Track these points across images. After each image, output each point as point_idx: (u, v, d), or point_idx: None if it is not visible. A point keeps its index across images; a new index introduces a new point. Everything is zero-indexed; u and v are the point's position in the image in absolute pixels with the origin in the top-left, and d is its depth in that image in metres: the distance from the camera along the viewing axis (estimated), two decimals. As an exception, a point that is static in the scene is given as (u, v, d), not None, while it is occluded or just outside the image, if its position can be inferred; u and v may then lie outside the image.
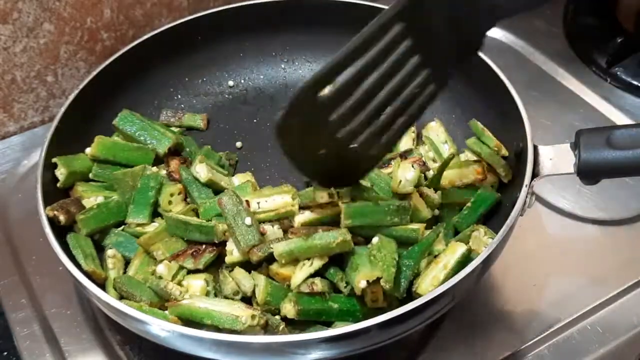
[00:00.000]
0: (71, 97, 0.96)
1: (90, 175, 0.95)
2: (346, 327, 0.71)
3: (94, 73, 1.00)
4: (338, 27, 1.09)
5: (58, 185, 0.92)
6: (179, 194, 0.94)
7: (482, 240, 0.85)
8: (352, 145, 0.76)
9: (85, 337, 0.90)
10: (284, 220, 0.87)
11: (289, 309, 0.79)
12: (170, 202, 0.93)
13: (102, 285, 0.85)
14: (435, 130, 1.02)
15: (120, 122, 0.99)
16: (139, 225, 0.90)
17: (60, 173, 0.92)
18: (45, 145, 0.90)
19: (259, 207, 0.88)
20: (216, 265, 0.87)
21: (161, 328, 0.73)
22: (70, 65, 1.16)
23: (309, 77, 0.69)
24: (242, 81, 1.16)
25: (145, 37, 1.06)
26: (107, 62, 1.02)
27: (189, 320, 0.79)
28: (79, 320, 0.92)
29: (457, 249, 0.83)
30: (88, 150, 0.95)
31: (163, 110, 1.10)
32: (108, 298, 0.75)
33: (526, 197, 0.81)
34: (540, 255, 0.96)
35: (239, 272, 0.84)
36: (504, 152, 0.94)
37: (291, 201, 0.87)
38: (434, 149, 0.99)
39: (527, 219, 0.84)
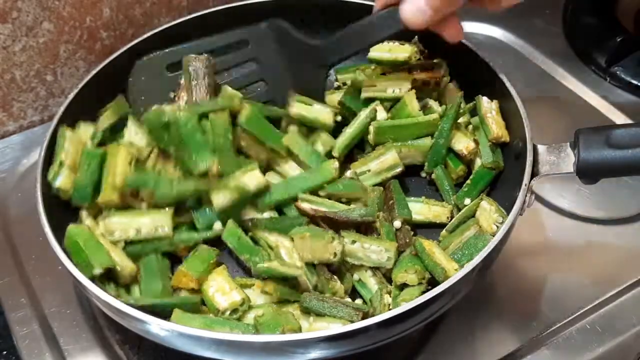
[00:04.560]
0: (70, 96, 0.96)
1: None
2: (346, 326, 0.71)
3: (94, 72, 1.00)
4: (338, 27, 1.08)
5: None
6: None
7: (492, 217, 0.86)
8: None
9: (84, 337, 0.90)
10: None
11: None
12: None
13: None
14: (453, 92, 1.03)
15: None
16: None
17: None
18: (44, 145, 0.90)
19: None
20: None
21: (161, 327, 0.73)
22: (70, 65, 1.16)
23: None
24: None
25: (145, 36, 1.06)
26: (106, 61, 1.01)
27: None
28: (79, 319, 0.92)
29: None
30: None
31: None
32: (108, 298, 0.75)
33: (525, 196, 0.81)
34: (540, 255, 0.96)
35: None
36: (505, 139, 0.93)
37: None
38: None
39: (527, 218, 0.84)
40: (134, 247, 0.88)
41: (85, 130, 0.95)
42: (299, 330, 0.79)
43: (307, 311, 0.81)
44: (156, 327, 0.73)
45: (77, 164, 0.90)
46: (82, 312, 0.92)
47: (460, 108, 0.97)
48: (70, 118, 0.95)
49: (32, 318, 0.91)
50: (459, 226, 0.90)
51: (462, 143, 0.95)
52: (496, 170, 0.94)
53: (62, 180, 0.89)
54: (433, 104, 1.00)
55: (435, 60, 1.02)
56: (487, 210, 0.88)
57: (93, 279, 0.79)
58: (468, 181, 0.94)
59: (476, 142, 0.95)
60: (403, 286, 0.83)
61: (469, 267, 0.74)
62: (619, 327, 0.89)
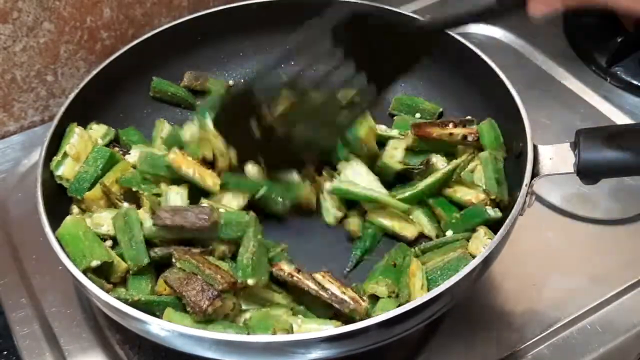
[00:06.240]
0: (71, 97, 0.96)
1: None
2: (346, 326, 0.71)
3: (94, 72, 1.00)
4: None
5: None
6: None
7: (482, 241, 0.85)
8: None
9: (85, 337, 0.90)
10: None
11: None
12: None
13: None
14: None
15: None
16: None
17: None
18: (45, 145, 0.90)
19: None
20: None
21: (161, 327, 0.73)
22: (70, 65, 1.16)
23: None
24: (242, 81, 1.16)
25: (145, 36, 1.06)
26: (106, 62, 1.02)
27: None
28: (79, 319, 0.92)
29: None
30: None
31: (187, 73, 1.10)
32: (108, 298, 0.75)
33: (526, 196, 0.81)
34: (540, 255, 0.96)
35: None
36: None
37: None
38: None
39: (527, 218, 0.84)
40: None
41: (97, 130, 0.99)
42: (291, 329, 0.79)
43: (294, 313, 0.82)
44: (156, 327, 0.73)
45: (82, 157, 0.92)
46: (82, 312, 0.92)
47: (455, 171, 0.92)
48: (71, 118, 0.95)
49: (32, 318, 0.91)
50: (442, 247, 0.88)
51: (469, 194, 0.90)
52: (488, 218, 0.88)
53: (64, 169, 0.91)
54: (438, 160, 0.95)
55: (467, 117, 0.97)
56: (479, 238, 0.85)
57: (86, 271, 0.80)
58: (457, 214, 0.90)
59: (486, 192, 0.89)
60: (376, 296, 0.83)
61: (469, 267, 0.74)
62: (619, 327, 0.89)
